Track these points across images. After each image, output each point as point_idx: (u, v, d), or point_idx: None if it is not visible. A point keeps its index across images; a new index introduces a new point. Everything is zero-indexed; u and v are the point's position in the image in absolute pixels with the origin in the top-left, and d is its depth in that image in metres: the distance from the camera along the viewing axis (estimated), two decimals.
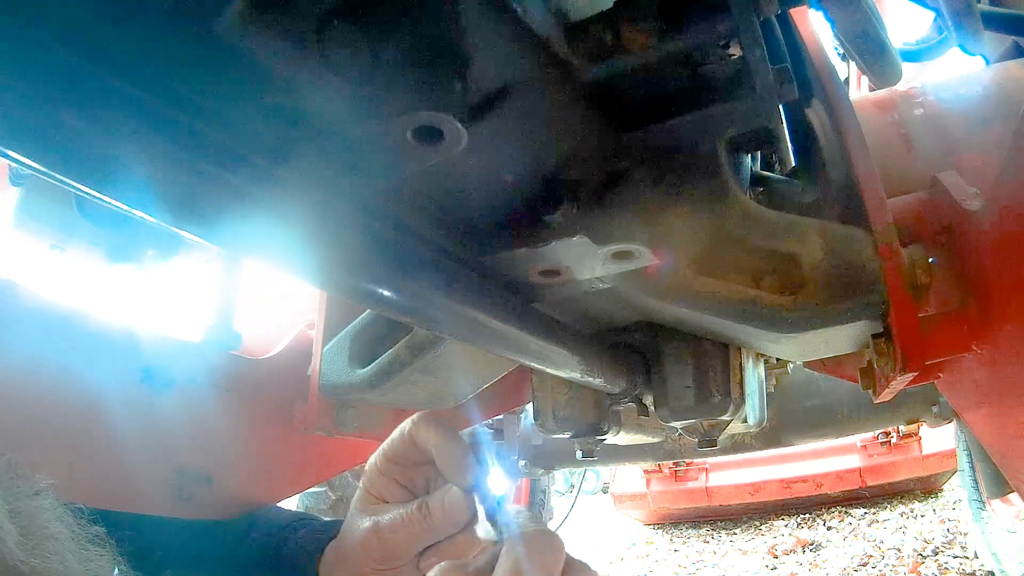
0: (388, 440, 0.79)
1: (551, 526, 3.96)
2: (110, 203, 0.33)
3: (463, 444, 0.74)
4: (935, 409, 2.05)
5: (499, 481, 0.73)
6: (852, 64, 2.08)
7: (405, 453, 0.77)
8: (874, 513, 4.42)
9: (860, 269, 0.61)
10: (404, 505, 0.76)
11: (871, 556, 3.73)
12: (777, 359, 1.05)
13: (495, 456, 0.76)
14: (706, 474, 4.71)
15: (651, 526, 5.37)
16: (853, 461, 4.34)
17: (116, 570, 0.59)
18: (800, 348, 0.76)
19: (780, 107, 0.63)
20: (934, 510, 4.22)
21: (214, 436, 1.00)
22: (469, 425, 1.29)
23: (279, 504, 1.12)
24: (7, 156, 0.29)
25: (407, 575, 0.77)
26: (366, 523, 0.77)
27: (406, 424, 0.77)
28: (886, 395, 0.69)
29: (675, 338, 0.85)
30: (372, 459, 0.80)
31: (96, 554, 0.57)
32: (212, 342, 1.02)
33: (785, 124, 0.70)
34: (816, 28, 0.78)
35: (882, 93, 0.93)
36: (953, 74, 0.97)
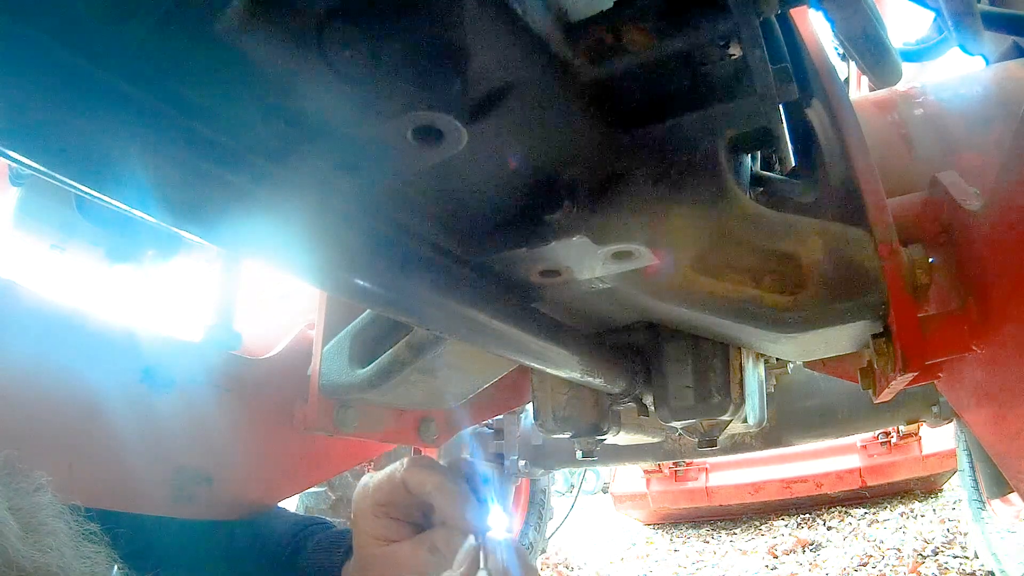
0: (377, 488, 0.78)
1: (551, 526, 3.96)
2: (110, 203, 0.33)
3: (460, 486, 0.74)
4: (935, 409, 2.05)
5: (499, 517, 0.73)
6: (852, 64, 2.08)
7: (397, 498, 0.77)
8: (874, 513, 4.42)
9: (860, 269, 0.61)
10: (412, 543, 0.75)
11: (871, 556, 3.73)
12: (777, 359, 1.05)
13: (494, 489, 0.76)
14: (706, 474, 4.71)
15: (651, 526, 5.37)
16: (853, 461, 4.34)
17: (115, 568, 0.59)
18: (800, 348, 0.76)
19: (780, 107, 0.63)
20: (934, 510, 4.22)
21: (214, 436, 1.00)
22: (469, 425, 1.29)
23: (280, 504, 1.12)
24: (7, 156, 0.29)
25: None
26: (385, 570, 0.76)
27: (396, 470, 0.77)
28: (886, 395, 0.69)
29: (675, 338, 0.85)
30: (363, 505, 0.79)
31: (92, 551, 0.58)
32: (212, 342, 1.02)
33: (785, 124, 0.70)
34: (816, 28, 0.78)
35: (882, 93, 0.93)
36: (953, 74, 0.97)
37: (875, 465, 4.28)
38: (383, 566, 0.77)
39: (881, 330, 0.64)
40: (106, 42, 0.33)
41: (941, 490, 4.45)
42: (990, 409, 0.62)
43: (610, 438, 0.99)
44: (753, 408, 0.89)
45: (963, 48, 0.86)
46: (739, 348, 0.85)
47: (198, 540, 0.94)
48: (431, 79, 0.39)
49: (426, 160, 0.43)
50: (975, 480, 2.74)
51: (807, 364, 0.96)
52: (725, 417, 0.84)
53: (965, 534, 3.39)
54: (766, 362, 1.01)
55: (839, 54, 1.66)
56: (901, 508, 4.38)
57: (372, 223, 0.49)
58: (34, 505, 0.55)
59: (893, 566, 3.52)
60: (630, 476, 5.02)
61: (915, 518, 4.18)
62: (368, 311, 0.92)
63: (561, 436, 0.95)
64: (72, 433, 0.81)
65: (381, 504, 0.78)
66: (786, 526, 4.67)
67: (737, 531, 4.86)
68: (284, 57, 0.39)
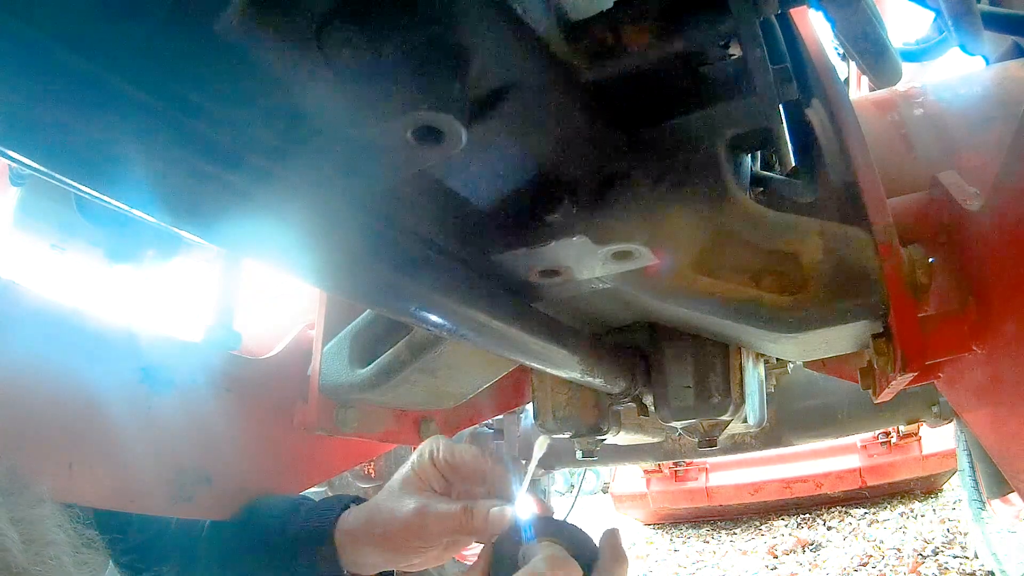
0: (456, 451, 0.87)
1: None
2: (110, 203, 0.33)
3: (507, 466, 0.86)
4: (935, 409, 2.05)
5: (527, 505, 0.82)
6: (852, 64, 2.08)
7: (466, 467, 0.86)
8: (874, 513, 4.41)
9: (860, 269, 0.61)
10: (450, 502, 0.83)
11: (871, 556, 3.73)
12: (777, 359, 1.05)
13: (524, 484, 0.87)
14: (706, 474, 4.71)
15: (651, 526, 5.37)
16: (853, 461, 4.34)
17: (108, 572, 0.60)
18: (800, 348, 0.76)
19: (780, 107, 0.63)
20: (934, 510, 4.21)
21: (214, 436, 1.00)
22: (472, 424, 1.29)
23: None
24: (7, 156, 0.29)
25: (435, 554, 0.86)
26: (413, 504, 0.84)
27: (476, 452, 0.87)
28: (886, 395, 0.69)
29: (675, 338, 0.85)
30: (435, 451, 0.87)
31: (91, 557, 0.58)
32: (212, 342, 1.02)
33: (785, 124, 0.70)
34: (816, 28, 0.78)
35: (882, 93, 0.93)
36: (953, 74, 0.97)
37: (875, 465, 4.28)
38: (416, 505, 0.83)
39: (881, 330, 0.64)
40: (107, 42, 0.33)
41: (941, 490, 4.44)
42: (990, 409, 0.62)
43: (610, 438, 0.99)
44: (753, 408, 0.89)
45: (963, 48, 0.85)
46: (739, 348, 0.85)
47: (197, 539, 0.94)
48: (431, 79, 0.39)
49: (426, 160, 0.43)
50: (975, 480, 2.74)
51: (807, 364, 0.96)
52: (725, 417, 0.84)
53: (965, 534, 3.39)
54: (766, 362, 1.01)
55: (839, 54, 1.66)
56: (901, 508, 4.38)
57: (372, 223, 0.49)
58: (35, 517, 0.56)
59: (893, 566, 3.52)
60: (630, 476, 5.02)
61: (915, 518, 4.17)
62: (368, 311, 0.92)
63: (561, 436, 0.95)
64: (72, 433, 0.81)
65: (451, 464, 0.86)
66: (786, 526, 4.66)
67: (737, 531, 4.85)
68: (284, 57, 0.39)
